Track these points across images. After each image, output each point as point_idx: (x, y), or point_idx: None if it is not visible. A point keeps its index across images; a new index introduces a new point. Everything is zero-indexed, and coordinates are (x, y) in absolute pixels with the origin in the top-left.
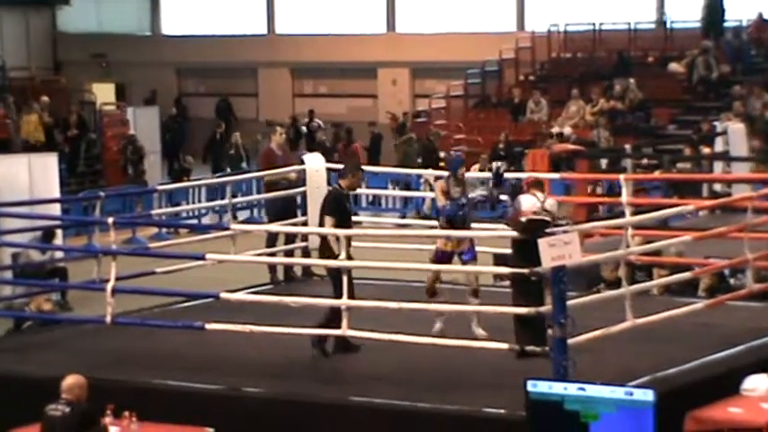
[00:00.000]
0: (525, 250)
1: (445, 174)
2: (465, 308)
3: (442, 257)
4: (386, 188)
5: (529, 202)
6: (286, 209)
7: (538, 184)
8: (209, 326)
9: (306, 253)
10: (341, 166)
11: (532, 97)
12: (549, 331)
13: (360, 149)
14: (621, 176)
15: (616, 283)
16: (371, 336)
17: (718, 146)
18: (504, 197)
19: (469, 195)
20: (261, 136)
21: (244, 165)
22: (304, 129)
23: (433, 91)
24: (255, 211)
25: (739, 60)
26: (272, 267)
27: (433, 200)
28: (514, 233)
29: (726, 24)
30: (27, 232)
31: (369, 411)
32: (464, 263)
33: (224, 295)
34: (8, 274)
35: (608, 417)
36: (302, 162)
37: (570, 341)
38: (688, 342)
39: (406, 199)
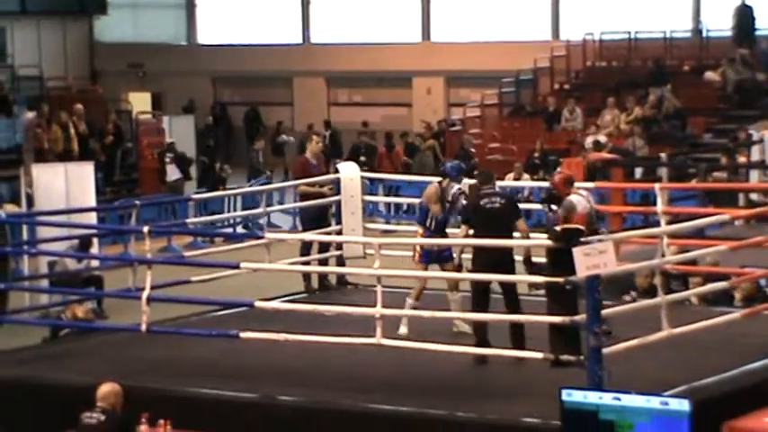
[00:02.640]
0: (560, 259)
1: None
2: (502, 317)
3: (428, 258)
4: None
5: (581, 204)
6: (319, 217)
7: (572, 183)
8: (243, 334)
9: (340, 262)
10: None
11: (567, 106)
12: None
13: (401, 154)
14: (657, 185)
15: (649, 292)
16: (404, 344)
17: (755, 155)
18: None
19: (451, 197)
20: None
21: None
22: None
23: (468, 100)
24: (274, 217)
25: None
26: (307, 276)
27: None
28: (550, 242)
29: (758, 32)
30: (63, 241)
31: (403, 420)
32: (444, 261)
33: (258, 304)
34: (45, 283)
35: (643, 427)
36: (337, 171)
37: (605, 350)
38: (724, 352)
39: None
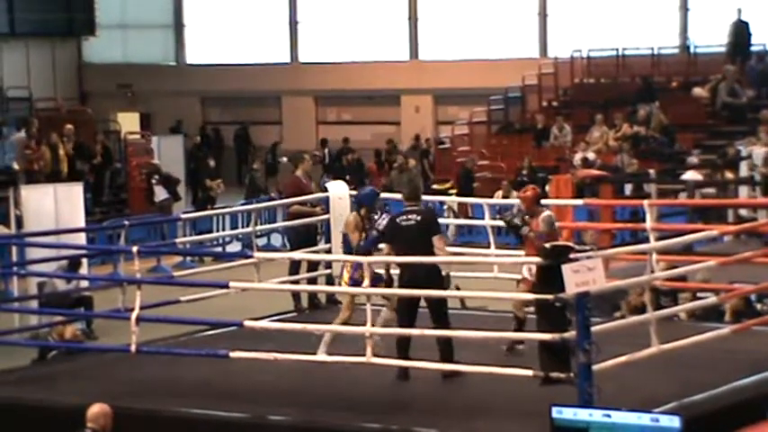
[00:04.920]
0: (550, 276)
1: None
2: (497, 335)
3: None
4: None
5: (545, 224)
6: (308, 237)
7: (540, 200)
8: (233, 354)
9: (330, 280)
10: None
11: (556, 123)
12: None
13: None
14: (645, 202)
15: (639, 309)
16: (394, 363)
17: (743, 171)
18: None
19: (379, 226)
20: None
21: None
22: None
23: (456, 117)
24: (272, 238)
25: (764, 85)
26: (296, 295)
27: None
28: (539, 259)
29: (753, 48)
30: (53, 261)
31: None
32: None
33: (248, 323)
34: (34, 304)
35: None
36: (325, 189)
37: (595, 367)
38: (714, 368)
39: None
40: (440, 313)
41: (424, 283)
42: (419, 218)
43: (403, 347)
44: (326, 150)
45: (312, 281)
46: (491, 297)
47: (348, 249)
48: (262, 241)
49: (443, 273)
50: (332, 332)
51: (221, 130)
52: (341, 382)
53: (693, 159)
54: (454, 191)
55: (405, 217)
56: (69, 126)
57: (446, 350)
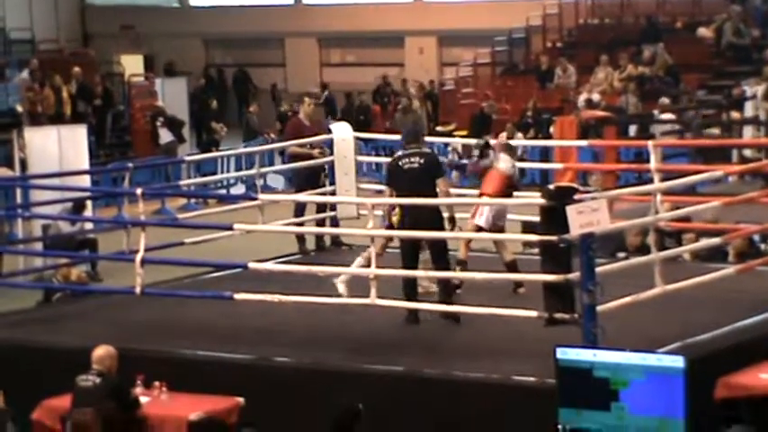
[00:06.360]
0: (554, 217)
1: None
2: (494, 276)
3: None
4: None
5: (505, 165)
6: (312, 179)
7: (510, 148)
8: (237, 296)
9: (335, 222)
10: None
11: (560, 64)
12: None
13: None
14: (650, 143)
15: (641, 250)
16: (399, 304)
17: (748, 111)
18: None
19: None
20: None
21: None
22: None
23: (461, 59)
24: (270, 179)
25: None
26: (301, 237)
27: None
28: (543, 200)
29: None
30: (57, 204)
31: (398, 380)
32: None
33: (252, 265)
34: (38, 246)
35: (638, 383)
36: (329, 131)
37: (600, 308)
38: (718, 308)
39: None
40: (440, 255)
41: (426, 226)
42: (422, 160)
43: (409, 289)
44: (326, 93)
45: (318, 223)
46: (494, 238)
47: None
48: (259, 182)
49: (449, 215)
50: (348, 273)
51: (225, 72)
52: (346, 324)
53: (665, 100)
54: (459, 133)
55: (407, 159)
56: (77, 69)
57: (445, 291)
